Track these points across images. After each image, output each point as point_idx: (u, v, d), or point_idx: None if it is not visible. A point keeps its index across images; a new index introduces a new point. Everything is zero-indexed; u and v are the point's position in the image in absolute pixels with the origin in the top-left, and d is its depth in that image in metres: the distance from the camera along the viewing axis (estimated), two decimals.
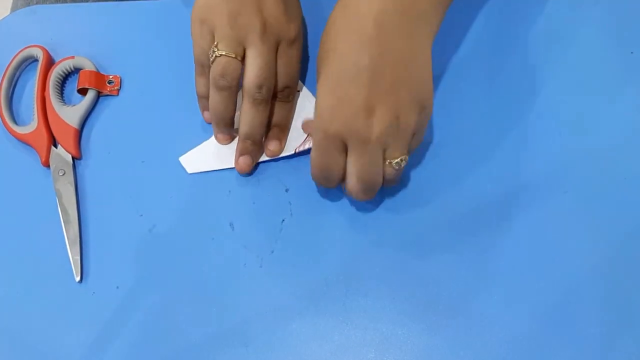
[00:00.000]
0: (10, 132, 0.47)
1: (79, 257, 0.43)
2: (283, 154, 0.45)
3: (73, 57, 0.49)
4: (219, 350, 0.40)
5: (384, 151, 0.38)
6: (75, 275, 0.42)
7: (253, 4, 0.41)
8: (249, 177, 0.45)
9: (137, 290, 0.42)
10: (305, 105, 0.46)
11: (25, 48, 0.50)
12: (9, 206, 0.46)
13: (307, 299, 0.41)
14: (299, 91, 0.47)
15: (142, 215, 0.44)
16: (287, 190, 0.44)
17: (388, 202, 0.43)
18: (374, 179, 0.39)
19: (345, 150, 0.38)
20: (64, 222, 0.44)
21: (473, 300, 0.40)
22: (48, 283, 0.43)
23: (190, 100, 0.47)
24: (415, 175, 0.44)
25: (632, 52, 0.47)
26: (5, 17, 0.54)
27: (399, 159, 0.38)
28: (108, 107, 0.48)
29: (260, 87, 0.41)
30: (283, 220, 0.43)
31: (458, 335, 0.39)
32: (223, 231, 0.43)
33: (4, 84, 0.49)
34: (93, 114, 0.48)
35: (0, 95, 0.48)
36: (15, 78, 0.50)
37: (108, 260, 0.43)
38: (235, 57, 0.41)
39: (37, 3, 0.57)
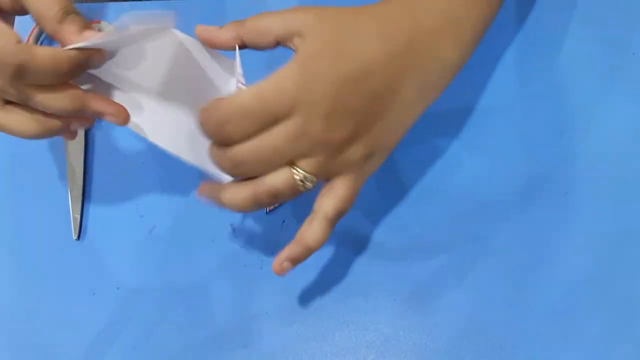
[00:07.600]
0: None
1: (79, 216, 0.44)
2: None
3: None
4: (219, 351, 0.40)
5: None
6: (73, 234, 0.44)
7: None
8: None
9: (137, 290, 0.42)
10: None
11: None
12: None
13: (307, 299, 0.41)
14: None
15: (142, 216, 0.44)
16: None
17: (388, 203, 0.43)
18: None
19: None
20: (69, 177, 0.45)
21: (473, 300, 0.40)
22: (48, 283, 0.43)
23: None
24: (414, 175, 0.44)
25: (633, 54, 0.47)
26: None
27: (306, 175, 0.33)
28: None
29: None
30: (283, 221, 0.43)
31: (459, 336, 0.39)
32: (223, 232, 0.43)
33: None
34: None
35: None
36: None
37: (108, 260, 0.43)
38: None
39: None
